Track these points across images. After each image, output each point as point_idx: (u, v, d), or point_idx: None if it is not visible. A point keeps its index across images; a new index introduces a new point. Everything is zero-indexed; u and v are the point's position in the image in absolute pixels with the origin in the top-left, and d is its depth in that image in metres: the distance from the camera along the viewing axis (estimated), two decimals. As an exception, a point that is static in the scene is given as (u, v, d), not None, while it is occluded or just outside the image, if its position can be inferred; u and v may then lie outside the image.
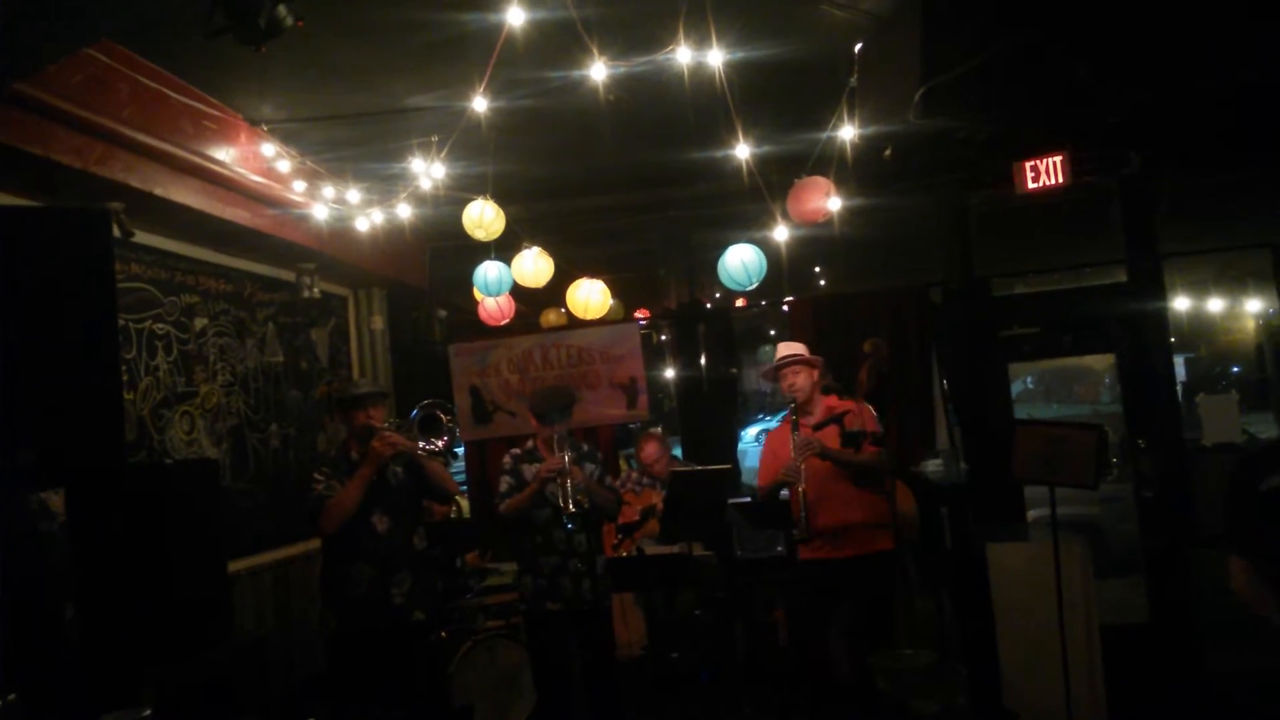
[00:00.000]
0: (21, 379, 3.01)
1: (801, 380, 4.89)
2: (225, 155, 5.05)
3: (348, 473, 4.50)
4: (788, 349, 5.00)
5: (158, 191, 4.58)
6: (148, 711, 1.82)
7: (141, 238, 4.85)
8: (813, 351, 6.55)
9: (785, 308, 7.29)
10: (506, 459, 4.96)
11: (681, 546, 4.84)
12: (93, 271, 3.15)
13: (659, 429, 7.29)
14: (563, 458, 4.62)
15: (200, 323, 5.46)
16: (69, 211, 3.48)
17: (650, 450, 6.51)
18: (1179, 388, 7.10)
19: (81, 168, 4.08)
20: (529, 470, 4.81)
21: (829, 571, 4.79)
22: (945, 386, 6.57)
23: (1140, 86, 5.29)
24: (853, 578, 4.75)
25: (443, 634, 5.58)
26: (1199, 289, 10.59)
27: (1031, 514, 6.58)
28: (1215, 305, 10.96)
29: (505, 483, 4.87)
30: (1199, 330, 12.16)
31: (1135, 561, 6.78)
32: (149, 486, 3.56)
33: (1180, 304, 10.22)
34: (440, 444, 4.54)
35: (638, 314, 8.68)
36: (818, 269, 9.73)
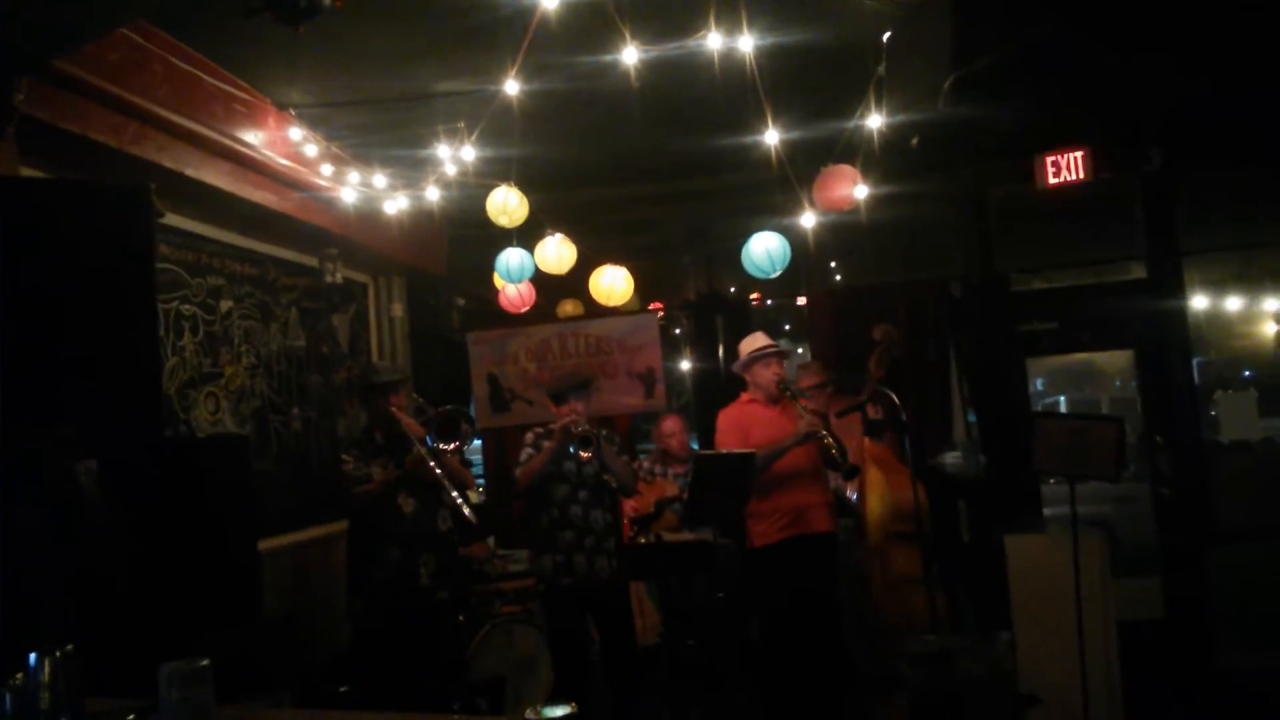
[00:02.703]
0: (60, 352, 3.05)
1: (782, 370, 5.10)
2: (254, 138, 5.08)
3: (374, 455, 4.57)
4: (762, 340, 5.14)
5: (189, 172, 4.61)
6: (206, 661, 1.85)
7: (170, 219, 4.89)
8: (831, 345, 6.62)
9: (802, 301, 7.31)
10: (529, 435, 5.03)
11: (700, 534, 4.88)
12: (133, 245, 3.19)
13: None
14: (578, 407, 4.80)
15: (226, 305, 5.50)
16: (111, 186, 3.51)
17: (669, 425, 6.56)
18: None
19: (116, 146, 4.11)
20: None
21: (808, 547, 4.91)
22: (962, 380, 6.59)
23: (1165, 82, 5.30)
24: (829, 552, 5.07)
25: (460, 617, 5.61)
26: (1217, 288, 10.58)
27: (1047, 511, 6.60)
28: (1233, 304, 10.95)
29: (525, 454, 4.93)
30: (1213, 332, 12.15)
31: (1149, 561, 6.79)
32: (182, 460, 3.60)
33: (1197, 303, 10.21)
34: (451, 447, 4.59)
35: (652, 306, 8.72)
36: (833, 264, 9.74)
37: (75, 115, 3.87)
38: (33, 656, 1.88)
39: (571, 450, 4.70)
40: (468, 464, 5.60)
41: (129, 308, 3.18)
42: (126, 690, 2.35)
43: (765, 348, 5.05)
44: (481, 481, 7.78)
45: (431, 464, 4.42)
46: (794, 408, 4.88)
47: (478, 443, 7.76)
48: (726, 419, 5.11)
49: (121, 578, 2.92)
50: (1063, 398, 13.01)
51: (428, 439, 4.47)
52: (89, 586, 2.63)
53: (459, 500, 4.50)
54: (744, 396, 5.17)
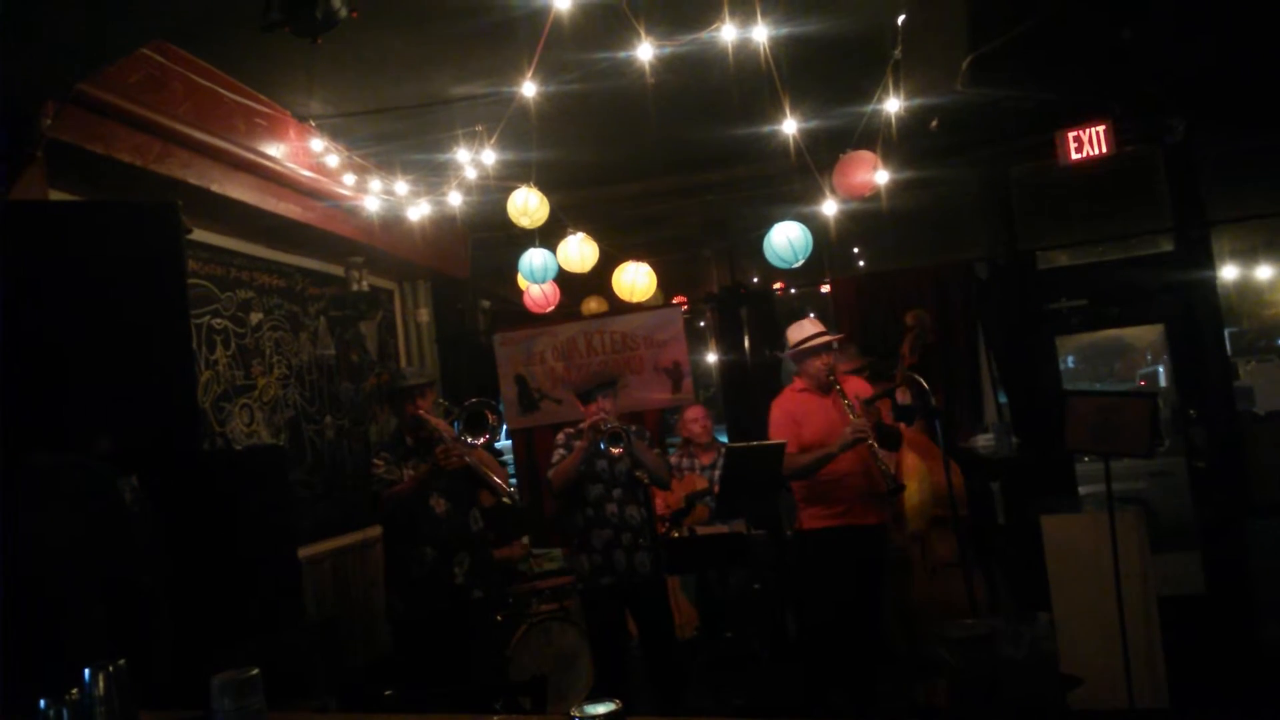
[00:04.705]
0: (97, 371, 3.10)
1: (832, 359, 4.91)
2: (276, 151, 5.14)
3: (404, 458, 4.62)
4: (811, 328, 4.98)
5: (214, 188, 4.67)
6: (255, 670, 1.88)
7: (198, 235, 4.96)
8: (857, 332, 6.59)
9: (826, 288, 7.29)
10: (560, 436, 5.05)
11: (734, 525, 4.88)
12: (163, 263, 3.23)
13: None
14: (605, 405, 4.82)
15: (255, 317, 5.56)
16: (139, 205, 3.56)
17: (692, 412, 6.55)
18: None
19: (141, 165, 4.17)
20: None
21: (860, 537, 4.85)
22: (992, 361, 6.55)
23: (1184, 50, 5.24)
24: (878, 544, 4.95)
25: (499, 617, 5.65)
26: (1247, 257, 10.41)
27: (1082, 490, 6.56)
28: (1264, 273, 10.77)
29: (558, 454, 4.95)
30: (1245, 301, 11.96)
31: (1186, 536, 6.73)
32: (221, 472, 3.65)
33: (1227, 273, 10.05)
34: (480, 440, 4.60)
35: (675, 300, 8.73)
36: (856, 250, 9.70)
37: (100, 137, 3.93)
38: (87, 672, 1.92)
39: (602, 448, 4.73)
40: (498, 454, 5.63)
41: (162, 324, 3.22)
42: (176, 701, 2.39)
43: (813, 337, 4.92)
44: (514, 481, 7.82)
45: (459, 453, 4.42)
46: (842, 401, 4.79)
47: (508, 442, 7.80)
48: (780, 410, 4.99)
49: (165, 591, 2.97)
50: (1160, 368, 12.70)
51: (456, 434, 4.49)
52: (133, 600, 2.68)
53: (496, 482, 4.53)
54: (797, 383, 5.04)
